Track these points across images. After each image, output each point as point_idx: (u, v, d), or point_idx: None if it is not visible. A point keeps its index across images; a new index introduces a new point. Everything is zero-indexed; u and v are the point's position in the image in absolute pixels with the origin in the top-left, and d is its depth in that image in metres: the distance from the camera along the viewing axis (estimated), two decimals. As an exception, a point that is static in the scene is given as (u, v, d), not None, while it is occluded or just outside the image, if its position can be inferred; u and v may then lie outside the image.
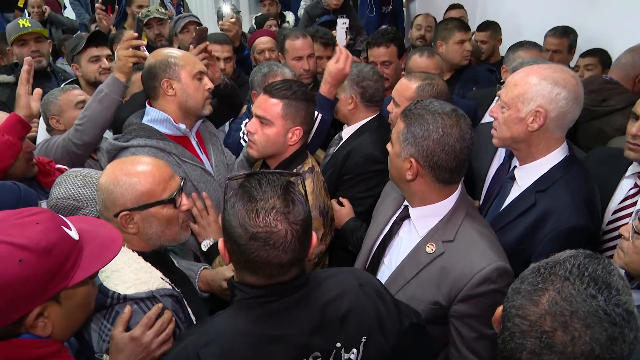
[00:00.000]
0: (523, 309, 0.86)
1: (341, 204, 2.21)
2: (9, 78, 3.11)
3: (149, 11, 4.10)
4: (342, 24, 3.26)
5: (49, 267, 0.99)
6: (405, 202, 1.57)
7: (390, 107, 2.18)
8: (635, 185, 1.82)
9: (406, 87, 2.08)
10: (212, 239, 1.85)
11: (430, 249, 1.45)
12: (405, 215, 1.56)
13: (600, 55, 3.18)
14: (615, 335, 0.81)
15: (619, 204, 1.83)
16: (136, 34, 2.22)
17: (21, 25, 3.21)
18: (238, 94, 2.51)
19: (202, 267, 1.76)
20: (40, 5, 4.67)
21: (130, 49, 2.09)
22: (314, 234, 1.14)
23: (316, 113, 2.27)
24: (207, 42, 2.23)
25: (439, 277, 1.41)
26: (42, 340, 1.04)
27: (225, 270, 1.65)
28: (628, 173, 1.85)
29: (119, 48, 2.15)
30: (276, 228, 1.02)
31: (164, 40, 3.84)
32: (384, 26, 4.60)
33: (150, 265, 1.38)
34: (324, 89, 2.24)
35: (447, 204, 1.47)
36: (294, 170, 1.86)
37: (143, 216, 1.40)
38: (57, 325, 1.05)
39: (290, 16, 5.74)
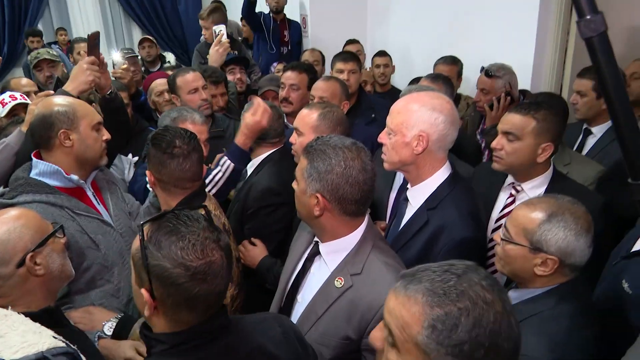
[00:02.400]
0: (497, 312, 0.89)
1: (253, 244, 2.23)
2: None
3: (38, 53, 3.96)
4: (218, 30, 3.37)
5: None
6: (316, 238, 1.60)
7: (292, 138, 2.24)
8: (511, 195, 2.07)
9: (308, 116, 2.19)
10: (111, 320, 1.72)
11: (339, 282, 1.47)
12: (316, 251, 1.58)
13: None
14: None
15: (499, 212, 2.07)
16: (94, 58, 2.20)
17: None
18: (126, 112, 2.47)
19: (97, 334, 1.66)
20: None
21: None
22: None
23: (229, 162, 2.29)
24: (100, 53, 2.22)
25: (349, 310, 1.44)
26: None
27: (126, 349, 1.58)
28: (505, 184, 2.10)
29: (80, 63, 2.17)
30: (214, 257, 1.04)
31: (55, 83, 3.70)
32: (275, 63, 4.82)
33: (39, 325, 1.29)
34: (239, 139, 2.30)
35: (354, 236, 1.51)
36: None
37: (44, 253, 1.41)
38: None
39: (170, 57, 5.82)
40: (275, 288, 1.94)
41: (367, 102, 3.41)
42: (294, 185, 1.57)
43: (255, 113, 2.28)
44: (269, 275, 2.15)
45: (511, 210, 1.90)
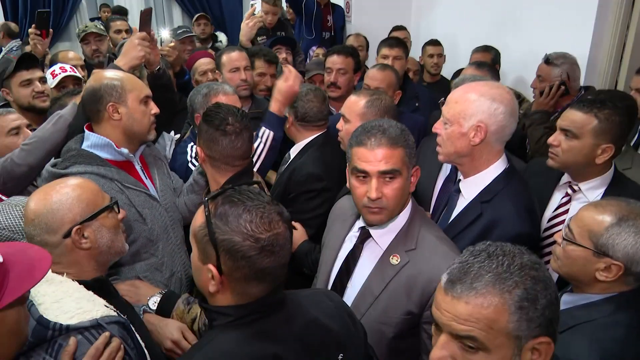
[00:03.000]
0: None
1: (294, 228, 2.23)
2: None
3: (86, 26, 4.04)
4: (252, 4, 3.39)
5: None
6: (362, 224, 1.60)
7: (340, 124, 2.23)
8: (567, 194, 1.97)
9: (355, 103, 2.17)
10: (156, 295, 1.73)
11: (395, 260, 1.50)
12: (365, 237, 1.60)
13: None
14: None
15: (553, 212, 1.98)
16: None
17: None
18: (174, 89, 2.50)
19: (142, 308, 1.68)
20: None
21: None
22: None
23: (267, 131, 2.30)
24: (151, 29, 2.24)
25: (408, 286, 1.47)
26: None
27: (173, 330, 1.58)
28: (560, 183, 2.01)
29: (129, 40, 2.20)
30: (280, 229, 1.06)
31: (101, 57, 3.77)
32: (314, 47, 4.79)
33: (92, 293, 1.33)
34: (274, 106, 2.31)
35: (403, 216, 1.55)
36: None
37: (93, 227, 1.41)
38: None
39: (222, 37, 5.82)
40: (312, 273, 1.94)
41: (412, 91, 3.38)
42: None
43: (287, 79, 2.29)
44: (307, 259, 2.15)
45: (566, 210, 1.84)
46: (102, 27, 4.20)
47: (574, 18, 3.47)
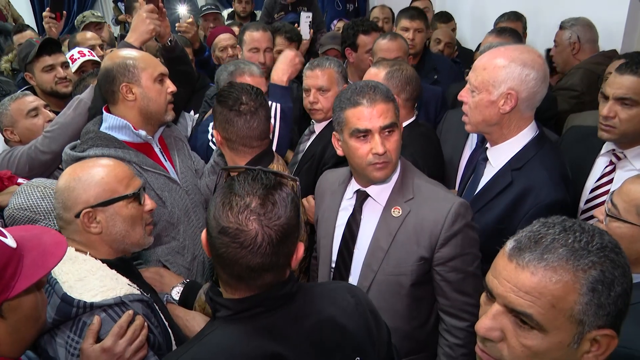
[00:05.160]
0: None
1: None
2: None
3: (84, 17, 4.10)
4: (306, 17, 3.34)
5: None
6: (356, 187, 1.65)
7: None
8: (611, 163, 1.90)
9: (375, 76, 2.13)
10: (178, 284, 1.74)
11: (396, 212, 1.56)
12: (362, 199, 1.64)
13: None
14: None
15: (596, 182, 1.91)
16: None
17: None
18: (189, 61, 2.47)
19: (165, 297, 1.69)
20: None
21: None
22: (300, 245, 1.10)
23: (273, 104, 2.26)
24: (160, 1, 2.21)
25: (415, 233, 1.53)
26: None
27: (201, 323, 1.55)
28: (603, 151, 1.93)
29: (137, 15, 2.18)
30: (246, 227, 0.99)
31: (105, 45, 3.80)
32: (335, 21, 4.72)
33: (115, 272, 1.36)
34: (275, 76, 2.29)
35: (395, 171, 1.61)
36: None
37: (107, 214, 1.38)
38: (4, 340, 1.02)
39: None
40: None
41: (431, 63, 3.32)
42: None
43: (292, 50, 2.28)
44: None
45: (610, 179, 1.77)
46: (99, 14, 4.26)
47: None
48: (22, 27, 4.07)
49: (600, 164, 1.94)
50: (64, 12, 3.29)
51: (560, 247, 0.85)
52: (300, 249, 1.10)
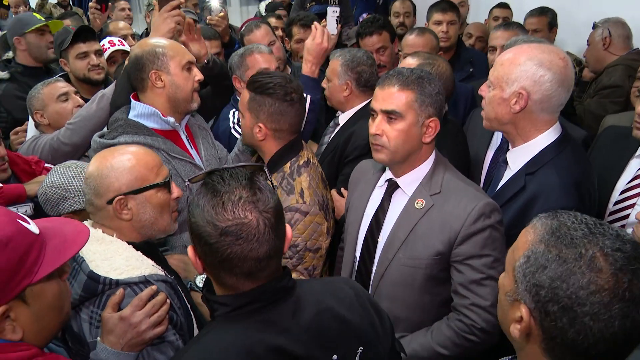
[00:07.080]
0: (592, 282, 0.84)
1: (342, 195, 2.25)
2: (3, 74, 3.19)
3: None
4: (333, 12, 3.38)
5: (6, 262, 0.98)
6: (389, 176, 1.70)
7: None
8: (645, 164, 1.85)
9: (408, 65, 2.13)
10: (203, 273, 1.79)
11: (419, 204, 1.61)
12: (392, 190, 1.69)
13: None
14: None
15: (627, 183, 1.88)
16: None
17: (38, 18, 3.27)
18: (228, 74, 2.54)
19: (189, 285, 1.73)
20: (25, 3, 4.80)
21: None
22: (287, 226, 1.13)
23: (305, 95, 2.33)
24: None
25: (435, 227, 1.56)
26: (14, 344, 1.02)
27: None
28: (638, 152, 1.89)
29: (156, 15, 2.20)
30: (246, 219, 1.01)
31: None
32: (364, 14, 4.70)
33: (140, 254, 1.44)
34: (305, 68, 2.32)
35: (427, 164, 1.66)
36: (288, 164, 1.92)
37: (138, 201, 1.45)
38: (28, 328, 1.04)
39: None
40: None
41: (466, 56, 3.31)
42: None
43: (314, 37, 2.30)
44: None
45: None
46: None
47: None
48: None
49: (634, 166, 1.91)
50: (110, 4, 3.39)
51: (555, 220, 0.96)
52: (289, 230, 1.14)
